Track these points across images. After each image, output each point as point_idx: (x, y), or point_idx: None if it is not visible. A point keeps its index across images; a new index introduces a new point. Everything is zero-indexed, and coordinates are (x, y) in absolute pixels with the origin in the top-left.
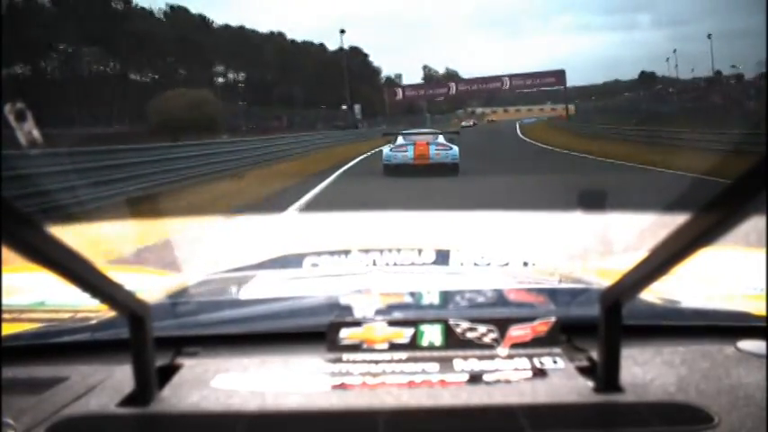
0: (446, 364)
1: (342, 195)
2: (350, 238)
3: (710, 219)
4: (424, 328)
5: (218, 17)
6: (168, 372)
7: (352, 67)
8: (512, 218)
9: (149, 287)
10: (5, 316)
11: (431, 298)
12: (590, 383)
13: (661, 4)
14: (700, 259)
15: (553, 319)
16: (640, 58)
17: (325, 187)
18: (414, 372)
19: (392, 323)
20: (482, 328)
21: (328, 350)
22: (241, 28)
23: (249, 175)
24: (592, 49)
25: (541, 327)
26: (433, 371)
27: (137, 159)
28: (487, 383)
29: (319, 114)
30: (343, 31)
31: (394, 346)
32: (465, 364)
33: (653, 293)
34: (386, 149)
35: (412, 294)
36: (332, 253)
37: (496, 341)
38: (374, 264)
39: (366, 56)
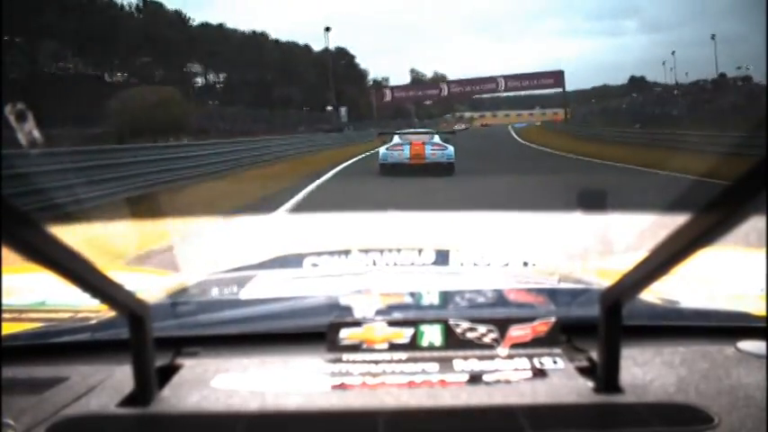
0: (446, 364)
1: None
2: (349, 238)
3: (710, 219)
4: (424, 328)
5: (197, 15)
6: (168, 372)
7: (338, 68)
8: (512, 218)
9: (149, 287)
10: (5, 316)
11: (431, 298)
12: (590, 384)
13: (647, 10)
14: (700, 259)
15: (553, 319)
16: (627, 63)
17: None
18: (414, 372)
19: (392, 323)
20: (482, 329)
21: (328, 350)
22: (221, 26)
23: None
24: (580, 54)
25: (541, 327)
26: (432, 371)
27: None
28: (487, 384)
29: (302, 116)
30: (328, 29)
31: (394, 347)
32: (465, 364)
33: (653, 294)
34: (382, 149)
35: (412, 294)
36: (332, 253)
37: (496, 341)
38: (374, 264)
39: (353, 57)
